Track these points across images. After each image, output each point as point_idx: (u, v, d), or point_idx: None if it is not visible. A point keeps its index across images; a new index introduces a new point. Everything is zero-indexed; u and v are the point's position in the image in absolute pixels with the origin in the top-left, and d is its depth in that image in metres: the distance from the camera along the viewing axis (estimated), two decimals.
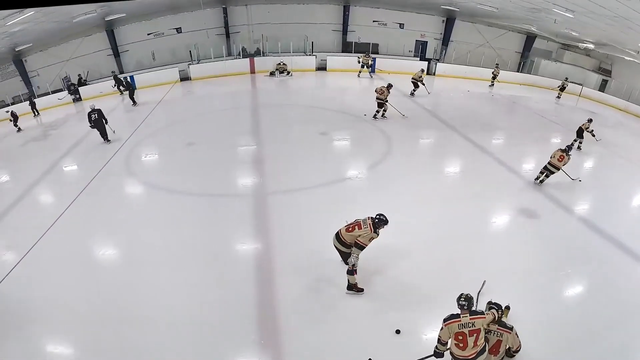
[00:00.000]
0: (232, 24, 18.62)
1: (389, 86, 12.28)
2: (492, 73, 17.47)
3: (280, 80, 17.76)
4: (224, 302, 5.46)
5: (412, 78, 15.08)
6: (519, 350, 4.29)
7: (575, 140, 11.10)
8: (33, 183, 9.55)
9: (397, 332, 4.77)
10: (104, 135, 11.31)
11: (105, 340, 4.95)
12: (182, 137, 11.62)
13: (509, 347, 4.22)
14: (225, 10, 18.36)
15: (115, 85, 16.50)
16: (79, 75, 17.74)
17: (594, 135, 11.87)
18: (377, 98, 12.29)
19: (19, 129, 13.98)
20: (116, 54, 18.45)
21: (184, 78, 18.40)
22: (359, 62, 17.37)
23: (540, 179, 9.32)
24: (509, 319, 4.78)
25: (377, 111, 12.38)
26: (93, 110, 11.09)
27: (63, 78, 18.23)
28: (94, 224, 7.63)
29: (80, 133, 12.48)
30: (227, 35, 18.57)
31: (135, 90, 15.90)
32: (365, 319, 5.13)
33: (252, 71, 18.50)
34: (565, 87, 16.66)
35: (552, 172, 9.41)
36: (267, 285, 5.81)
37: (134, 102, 14.98)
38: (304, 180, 8.70)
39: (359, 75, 17.55)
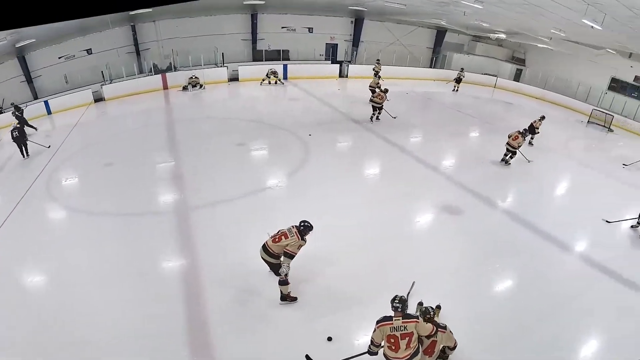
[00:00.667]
0: (141, 41, 18.70)
1: (386, 91, 13.03)
2: (373, 70, 17.35)
3: (194, 94, 17.98)
4: (154, 319, 5.56)
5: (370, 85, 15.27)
6: (455, 348, 4.39)
7: (526, 132, 11.27)
8: None
9: (329, 339, 4.97)
10: (23, 151, 11.99)
11: None
12: (99, 158, 11.71)
13: (445, 347, 4.32)
14: (133, 28, 18.43)
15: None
16: None
17: (531, 143, 12.21)
18: (372, 101, 12.98)
19: None
20: (29, 79, 18.53)
21: (98, 99, 18.52)
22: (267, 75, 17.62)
23: (505, 160, 9.72)
24: (440, 318, 4.96)
25: (373, 114, 13.07)
26: (15, 128, 11.77)
27: None
28: (18, 251, 7.70)
29: None
30: (138, 52, 18.67)
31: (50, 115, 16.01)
32: (297, 327, 5.37)
33: (165, 87, 18.66)
34: (461, 79, 16.78)
35: (513, 152, 9.76)
36: (196, 300, 5.95)
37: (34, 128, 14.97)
38: (224, 192, 8.92)
39: (261, 84, 17.74)
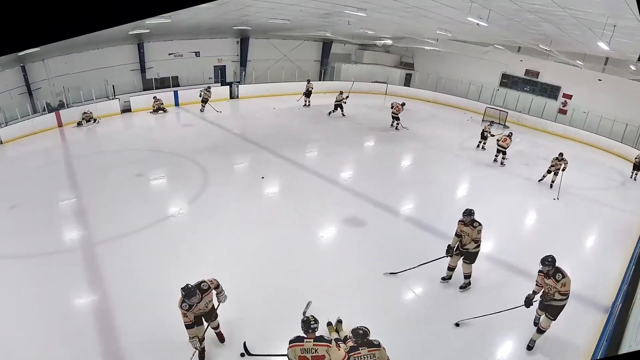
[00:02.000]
0: (32, 81, 19.03)
1: (403, 104, 14.56)
2: (200, 94, 17.89)
3: (88, 129, 18.47)
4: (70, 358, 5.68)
5: (336, 100, 16.41)
6: None
7: (481, 141, 12.92)
8: None
9: (242, 355, 5.22)
10: None
11: None
12: (2, 202, 11.66)
13: None
14: (23, 69, 18.72)
15: None
16: None
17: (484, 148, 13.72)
18: (392, 113, 14.51)
19: None
20: None
21: None
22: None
23: (500, 161, 10.50)
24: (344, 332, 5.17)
25: (392, 123, 14.61)
26: None
27: None
28: None
29: None
30: (30, 92, 19.00)
31: None
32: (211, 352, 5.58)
33: (60, 124, 19.13)
34: (310, 92, 16.71)
35: (504, 152, 10.56)
36: (110, 335, 6.06)
37: None
38: (128, 224, 9.09)
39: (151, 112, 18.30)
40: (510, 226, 9.27)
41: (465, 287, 6.58)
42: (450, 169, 11.66)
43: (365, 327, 4.05)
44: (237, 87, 18.97)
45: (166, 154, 13.64)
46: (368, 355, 3.86)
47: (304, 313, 5.48)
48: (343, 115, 16.14)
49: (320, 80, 18.63)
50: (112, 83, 18.88)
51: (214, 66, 19.75)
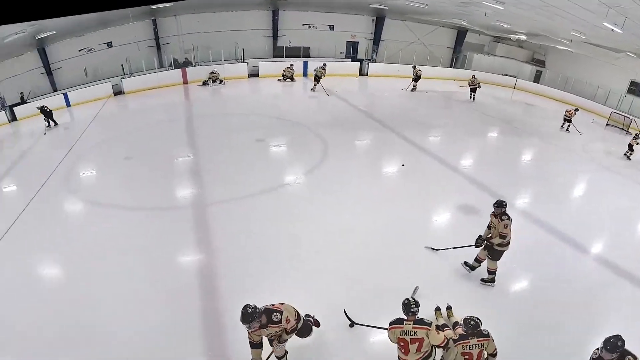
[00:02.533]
0: (162, 35, 18.80)
1: (576, 110, 14.52)
2: (315, 71, 16.73)
3: (214, 89, 17.99)
4: (171, 314, 5.57)
5: (471, 84, 16.06)
6: (496, 355, 4.19)
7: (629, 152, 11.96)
8: None
9: (351, 325, 5.09)
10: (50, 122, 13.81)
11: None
12: (119, 151, 11.75)
13: (489, 354, 4.13)
14: (154, 22, 18.51)
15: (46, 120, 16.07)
16: (21, 93, 17.87)
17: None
18: (565, 117, 14.46)
19: None
20: (49, 72, 18.59)
21: (118, 92, 18.59)
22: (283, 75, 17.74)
23: (566, 127, 12.18)
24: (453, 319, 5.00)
25: (563, 125, 14.42)
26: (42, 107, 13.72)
27: None
28: (36, 244, 7.71)
29: (15, 154, 12.67)
30: (158, 47, 18.75)
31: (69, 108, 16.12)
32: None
33: (185, 82, 18.73)
34: (476, 88, 16.21)
35: (569, 122, 12.42)
36: (211, 295, 5.93)
37: (49, 125, 14.94)
38: (242, 188, 8.86)
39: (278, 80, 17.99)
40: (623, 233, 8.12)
41: (486, 281, 5.96)
42: (572, 169, 11.04)
43: (477, 318, 4.05)
44: (368, 64, 18.46)
45: (289, 123, 13.08)
46: (477, 345, 3.97)
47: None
48: (473, 99, 15.79)
49: (451, 67, 18.35)
50: (242, 46, 18.50)
51: (347, 41, 19.15)
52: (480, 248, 5.93)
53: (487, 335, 4.04)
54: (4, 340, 5.49)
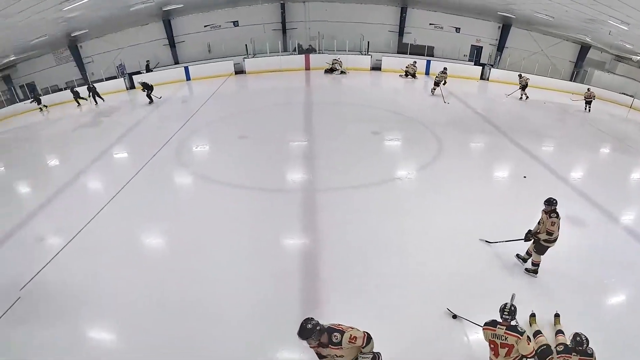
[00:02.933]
0: (289, 20, 18.83)
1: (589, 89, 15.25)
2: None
3: (334, 78, 17.86)
4: (271, 296, 5.54)
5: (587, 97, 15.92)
6: None
7: None
8: (83, 168, 9.70)
9: (454, 317, 5.04)
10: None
11: (151, 330, 5.00)
12: (234, 129, 11.83)
13: None
14: (283, 6, 18.57)
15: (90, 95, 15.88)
16: (147, 61, 17.94)
17: None
18: (586, 98, 15.03)
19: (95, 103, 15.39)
20: (172, 44, 18.65)
21: (239, 71, 18.58)
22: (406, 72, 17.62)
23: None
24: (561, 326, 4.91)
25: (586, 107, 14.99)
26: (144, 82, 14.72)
27: (118, 66, 18.37)
28: (142, 212, 7.79)
29: (131, 121, 12.62)
30: (284, 30, 18.77)
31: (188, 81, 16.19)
32: (412, 307, 5.26)
33: (307, 67, 18.69)
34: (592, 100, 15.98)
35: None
36: (312, 283, 5.84)
37: (151, 100, 14.87)
38: (353, 178, 8.75)
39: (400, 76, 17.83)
40: None
41: (529, 271, 6.04)
42: None
43: (585, 336, 3.91)
44: (490, 69, 18.37)
45: (406, 119, 12.74)
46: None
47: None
48: (588, 111, 15.74)
49: (571, 81, 18.28)
50: (367, 39, 18.50)
51: (472, 45, 18.88)
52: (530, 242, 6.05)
53: (591, 355, 3.90)
54: (103, 307, 5.48)
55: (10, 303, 5.52)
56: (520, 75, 16.37)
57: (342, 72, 17.89)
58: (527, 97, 16.16)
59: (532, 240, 6.01)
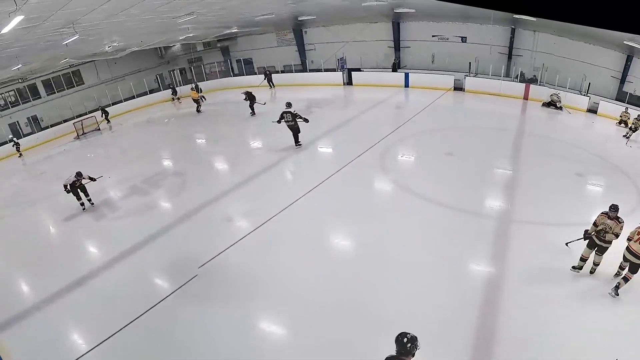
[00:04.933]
0: (516, 46, 18.95)
1: None
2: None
3: (550, 112, 18.00)
4: (447, 315, 5.70)
5: None
6: None
7: None
8: (286, 155, 10.52)
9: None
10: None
11: (319, 331, 5.24)
12: (441, 145, 12.32)
13: None
14: (513, 31, 18.72)
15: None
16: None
17: None
18: None
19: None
20: (397, 47, 18.83)
21: (458, 88, 18.84)
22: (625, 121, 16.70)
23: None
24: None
25: None
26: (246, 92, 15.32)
27: (339, 59, 18.68)
28: (333, 211, 8.21)
29: (341, 118, 12.61)
30: (509, 56, 18.94)
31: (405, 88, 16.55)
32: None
33: (526, 97, 18.95)
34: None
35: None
36: (490, 314, 5.89)
37: (253, 112, 15.15)
38: (552, 216, 8.70)
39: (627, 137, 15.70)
40: None
41: (593, 272, 6.85)
42: None
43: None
44: None
45: (609, 166, 12.53)
46: None
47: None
48: None
49: None
50: (589, 80, 18.59)
51: None
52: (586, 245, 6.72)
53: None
54: (276, 299, 5.77)
55: (187, 279, 5.67)
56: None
57: (559, 108, 18.04)
58: None
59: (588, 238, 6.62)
